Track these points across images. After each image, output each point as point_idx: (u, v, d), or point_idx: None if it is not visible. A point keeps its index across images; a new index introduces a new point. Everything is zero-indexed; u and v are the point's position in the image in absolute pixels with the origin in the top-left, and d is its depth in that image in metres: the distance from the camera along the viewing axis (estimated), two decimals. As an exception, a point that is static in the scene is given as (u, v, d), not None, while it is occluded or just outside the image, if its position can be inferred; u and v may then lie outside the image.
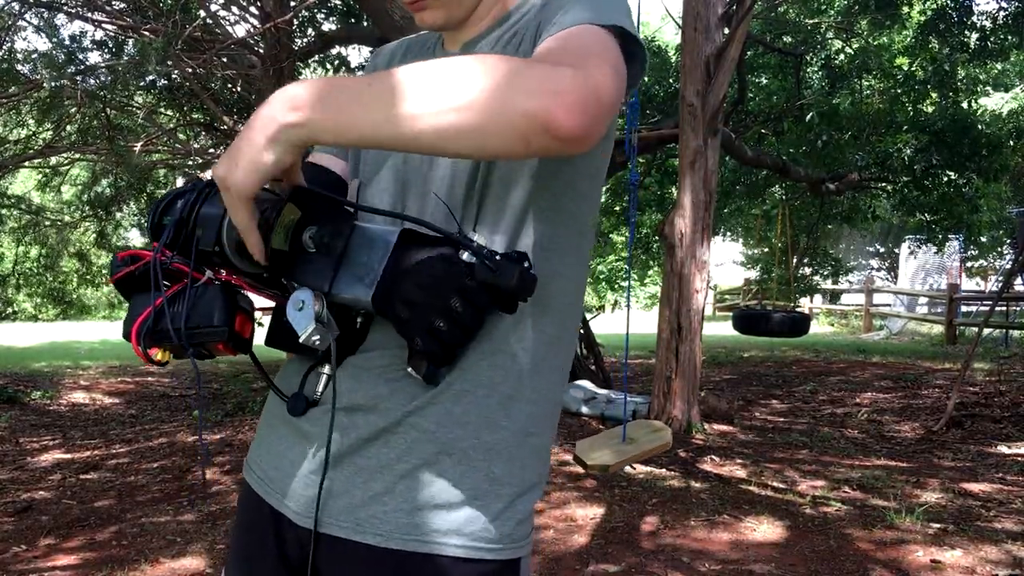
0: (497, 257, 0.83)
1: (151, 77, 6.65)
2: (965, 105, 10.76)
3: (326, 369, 0.97)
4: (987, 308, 7.78)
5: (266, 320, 1.00)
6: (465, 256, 0.84)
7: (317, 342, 0.88)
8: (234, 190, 0.78)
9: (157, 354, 0.88)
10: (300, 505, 0.96)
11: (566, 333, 1.00)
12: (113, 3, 7.00)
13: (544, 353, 0.96)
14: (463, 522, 0.90)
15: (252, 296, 0.93)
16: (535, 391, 0.96)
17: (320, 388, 0.98)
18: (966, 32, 9.47)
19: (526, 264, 0.84)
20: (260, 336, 0.93)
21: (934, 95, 10.50)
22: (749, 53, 9.54)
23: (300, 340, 0.87)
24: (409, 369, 0.90)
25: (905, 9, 10.23)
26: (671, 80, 10.28)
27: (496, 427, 0.93)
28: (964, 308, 14.83)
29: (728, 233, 19.25)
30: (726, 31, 6.31)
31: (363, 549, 0.91)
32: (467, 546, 0.89)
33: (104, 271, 16.38)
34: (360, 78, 0.78)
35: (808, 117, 9.76)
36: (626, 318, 5.09)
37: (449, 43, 1.07)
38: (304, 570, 0.95)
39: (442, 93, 0.72)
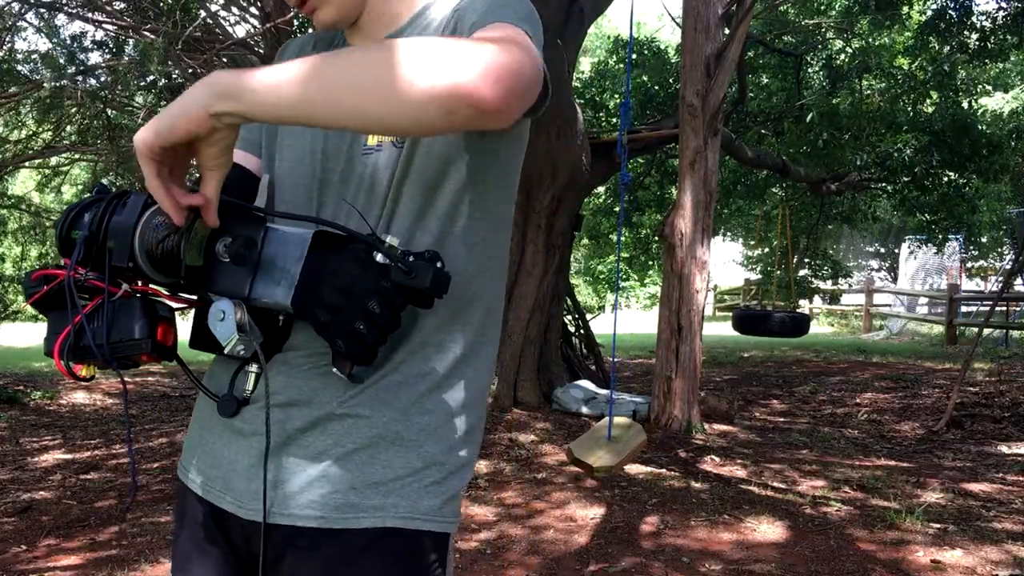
0: (411, 259, 0.84)
1: (151, 77, 6.64)
2: (965, 105, 10.77)
3: (254, 368, 0.99)
4: (987, 308, 7.78)
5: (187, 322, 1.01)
6: (379, 258, 0.86)
7: (241, 351, 0.90)
8: (138, 145, 0.79)
9: (82, 370, 0.88)
10: (243, 498, 0.98)
11: (491, 321, 1.04)
12: (113, 3, 6.99)
13: (472, 342, 1.01)
14: (398, 498, 0.94)
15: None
16: (464, 378, 1.01)
17: (250, 386, 0.99)
18: (966, 32, 9.47)
19: (439, 264, 0.86)
20: (184, 333, 0.93)
21: (934, 95, 10.51)
22: (749, 53, 9.54)
23: (224, 352, 0.89)
24: (334, 370, 0.91)
25: (905, 9, 10.24)
26: (671, 80, 10.28)
27: (427, 411, 0.97)
28: (964, 308, 14.83)
29: (728, 233, 19.26)
30: (726, 31, 6.31)
31: (308, 532, 0.94)
32: (403, 517, 0.94)
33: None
34: (290, 61, 0.79)
35: (808, 117, 9.77)
36: (613, 319, 5.08)
37: (355, 41, 1.08)
38: (254, 561, 0.98)
39: (371, 68, 0.75)
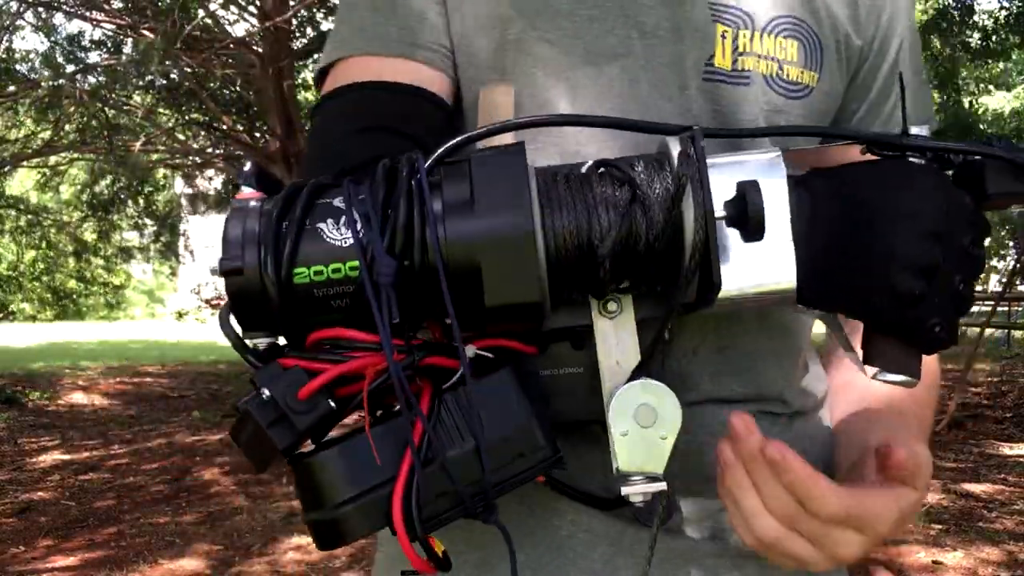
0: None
1: (150, 76, 6.64)
2: (967, 104, 10.75)
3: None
4: (989, 308, 7.77)
5: None
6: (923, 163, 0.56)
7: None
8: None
9: (439, 544, 0.53)
10: None
11: None
12: (112, 2, 6.99)
13: None
14: None
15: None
16: None
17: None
18: (968, 32, 9.45)
19: None
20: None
21: (936, 94, 10.49)
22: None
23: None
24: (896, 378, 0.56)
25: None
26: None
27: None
28: (965, 308, 14.80)
29: (729, 233, 19.23)
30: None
31: None
32: None
33: (99, 270, 16.34)
34: None
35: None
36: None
37: None
38: None
39: None
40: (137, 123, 8.57)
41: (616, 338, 0.59)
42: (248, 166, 0.54)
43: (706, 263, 0.51)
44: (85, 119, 7.43)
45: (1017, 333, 13.20)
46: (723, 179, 0.53)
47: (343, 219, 0.50)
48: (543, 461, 0.54)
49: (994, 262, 17.15)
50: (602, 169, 0.54)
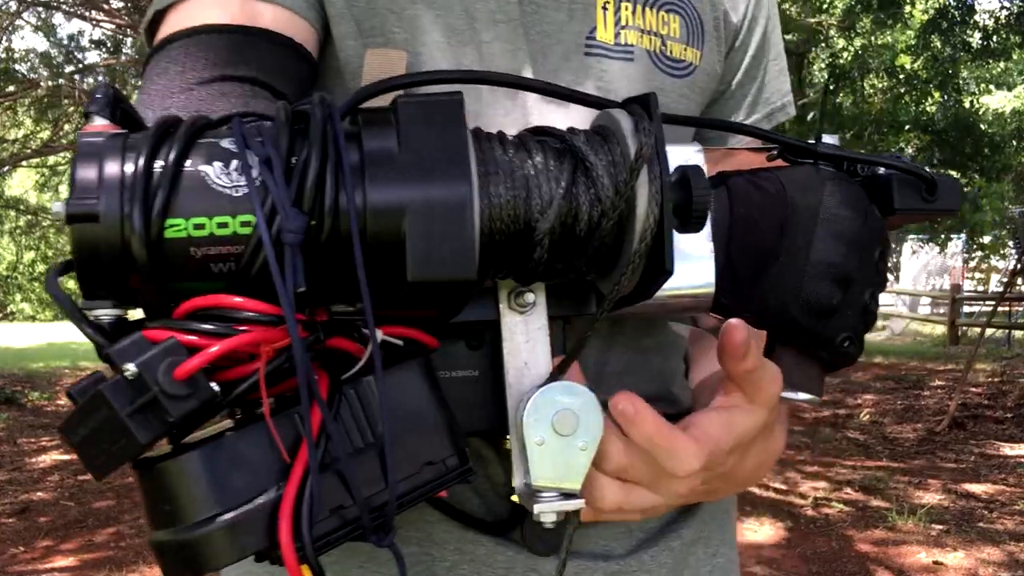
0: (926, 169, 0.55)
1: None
2: (968, 104, 10.74)
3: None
4: (990, 308, 7.76)
5: None
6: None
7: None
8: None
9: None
10: None
11: None
12: (111, 2, 6.98)
13: None
14: None
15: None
16: None
17: None
18: (968, 31, 9.44)
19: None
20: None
21: (936, 94, 10.48)
22: (750, 52, 9.52)
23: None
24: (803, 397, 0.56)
25: (907, 8, 10.21)
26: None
27: None
28: (967, 308, 14.81)
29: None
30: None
31: None
32: None
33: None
34: None
35: (810, 116, 9.75)
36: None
37: None
38: None
39: None
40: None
41: (526, 335, 0.51)
42: (101, 91, 0.43)
43: (657, 247, 0.45)
44: (84, 119, 7.42)
45: (1018, 333, 13.18)
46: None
47: (235, 163, 0.39)
48: (451, 472, 0.46)
49: (995, 261, 17.14)
50: (541, 137, 0.47)
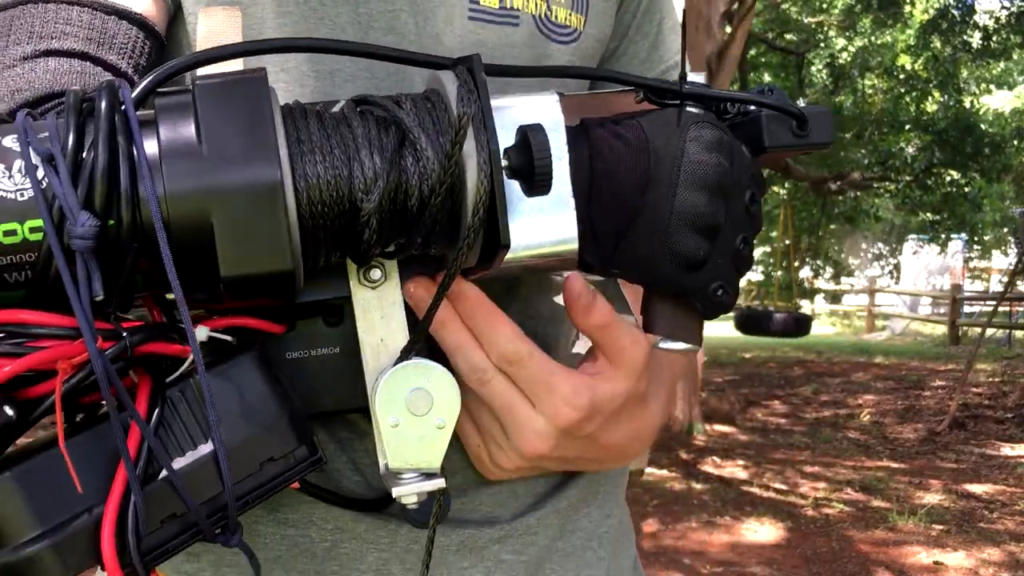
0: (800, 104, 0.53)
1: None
2: (968, 104, 10.74)
3: None
4: (990, 308, 7.75)
5: None
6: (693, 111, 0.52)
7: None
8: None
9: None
10: None
11: None
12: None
13: None
14: None
15: None
16: None
17: None
18: (968, 31, 9.44)
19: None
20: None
21: (936, 94, 10.48)
22: (751, 51, 9.53)
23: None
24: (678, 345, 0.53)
25: (907, 8, 10.21)
26: (672, 79, 10.26)
27: None
28: (967, 308, 14.80)
29: (730, 233, 19.19)
30: (728, 29, 6.29)
31: None
32: None
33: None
34: None
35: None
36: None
37: None
38: None
39: None
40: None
41: (381, 311, 0.49)
42: None
43: (492, 219, 0.42)
44: None
45: (1018, 333, 13.17)
46: (498, 123, 0.43)
47: (18, 164, 0.36)
48: (299, 463, 0.44)
49: (995, 261, 17.14)
50: (362, 108, 0.44)
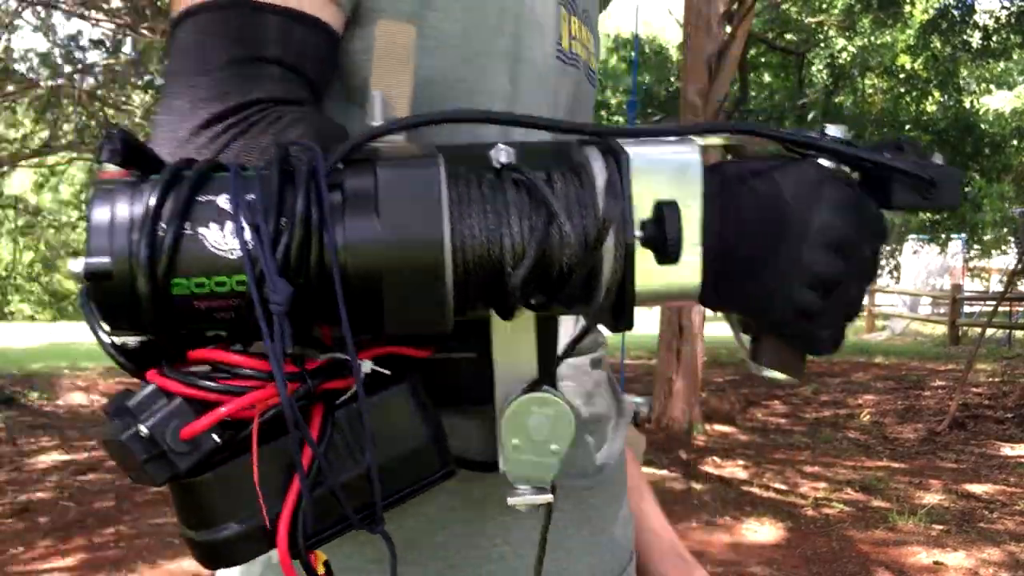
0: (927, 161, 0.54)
1: (149, 76, 6.62)
2: (968, 104, 10.74)
3: None
4: (990, 308, 7.76)
5: None
6: (827, 165, 0.53)
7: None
8: None
9: (320, 565, 0.50)
10: None
11: None
12: (111, 2, 6.98)
13: None
14: None
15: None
16: None
17: None
18: (968, 31, 9.44)
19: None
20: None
21: (936, 94, 10.48)
22: (751, 51, 9.52)
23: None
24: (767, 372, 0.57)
25: (907, 8, 10.22)
26: (672, 79, 10.27)
27: None
28: (967, 308, 14.80)
29: (729, 233, 19.19)
30: (728, 29, 6.29)
31: None
32: None
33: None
34: None
35: (810, 116, 9.75)
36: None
37: None
38: None
39: None
40: (136, 123, 8.57)
41: (512, 338, 0.55)
42: (113, 136, 0.45)
43: (620, 299, 0.47)
44: (84, 119, 7.42)
45: (1018, 333, 13.17)
46: (640, 185, 0.48)
47: (230, 226, 0.43)
48: (436, 474, 0.53)
49: (995, 261, 17.14)
50: (515, 175, 0.47)
